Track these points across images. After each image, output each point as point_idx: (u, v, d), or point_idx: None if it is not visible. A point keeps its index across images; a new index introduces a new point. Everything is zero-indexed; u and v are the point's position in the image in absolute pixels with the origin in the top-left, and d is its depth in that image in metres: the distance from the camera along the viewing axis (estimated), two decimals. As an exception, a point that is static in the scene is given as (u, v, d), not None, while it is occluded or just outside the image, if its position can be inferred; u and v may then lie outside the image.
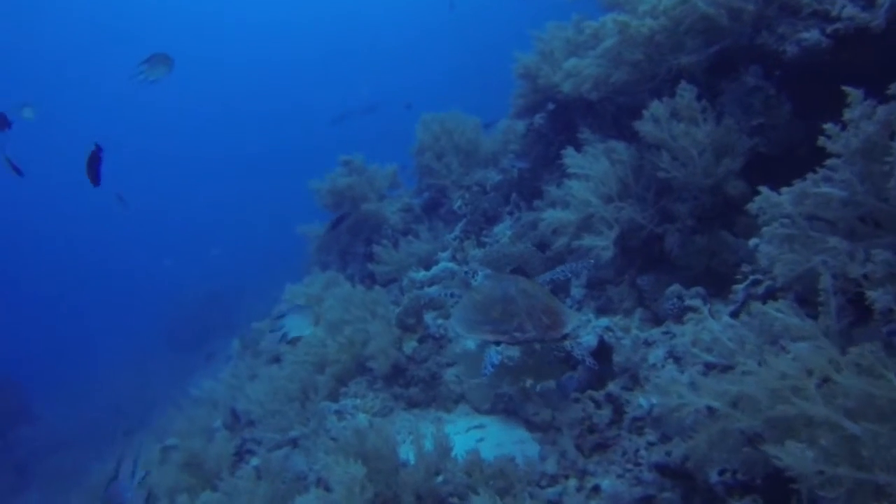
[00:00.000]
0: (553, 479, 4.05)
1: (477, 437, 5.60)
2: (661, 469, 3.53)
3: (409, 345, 6.33)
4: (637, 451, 3.98)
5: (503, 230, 7.68)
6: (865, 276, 2.83)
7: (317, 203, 9.34)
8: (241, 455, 6.78)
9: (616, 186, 5.53)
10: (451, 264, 7.42)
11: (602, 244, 5.39)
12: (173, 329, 25.39)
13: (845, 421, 2.27)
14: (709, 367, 3.48)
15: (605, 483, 3.90)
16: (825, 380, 2.43)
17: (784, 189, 3.40)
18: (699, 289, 4.94)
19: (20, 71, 47.56)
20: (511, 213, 8.10)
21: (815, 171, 3.28)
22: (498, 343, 4.50)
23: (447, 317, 6.72)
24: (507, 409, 5.45)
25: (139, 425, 17.41)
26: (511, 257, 6.76)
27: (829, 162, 3.18)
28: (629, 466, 3.94)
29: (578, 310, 5.97)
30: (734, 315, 3.99)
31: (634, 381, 4.39)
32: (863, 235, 3.10)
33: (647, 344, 4.87)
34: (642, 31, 5.16)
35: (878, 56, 4.19)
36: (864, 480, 2.19)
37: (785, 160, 4.94)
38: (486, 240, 7.83)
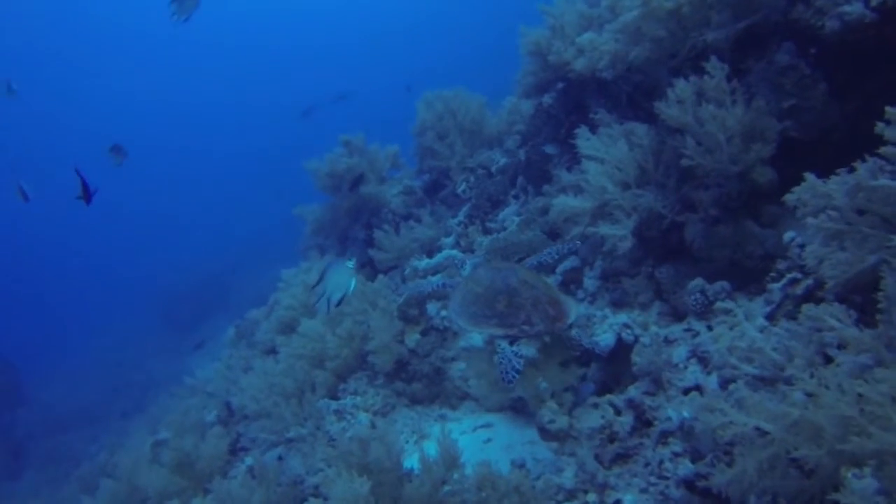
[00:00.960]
0: (571, 494, 3.74)
1: (484, 437, 5.30)
2: (691, 487, 3.22)
3: (412, 338, 6.00)
4: (661, 462, 3.67)
5: (509, 215, 7.32)
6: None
7: (315, 185, 8.93)
8: (234, 451, 6.50)
9: (634, 172, 5.17)
10: (455, 252, 7.07)
11: (619, 233, 5.05)
12: (169, 309, 25.16)
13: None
14: (743, 378, 3.16)
15: (628, 498, 3.59)
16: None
17: (833, 178, 3.05)
18: (724, 283, 4.60)
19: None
20: (517, 198, 7.74)
21: (863, 160, 2.94)
22: (507, 338, 4.30)
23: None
24: (516, 406, 5.17)
25: (135, 408, 17.27)
26: (519, 246, 6.41)
27: (884, 150, 2.83)
28: (653, 480, 3.63)
29: (592, 303, 5.63)
30: (770, 317, 3.67)
31: (657, 385, 4.05)
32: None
33: (668, 342, 4.55)
34: (666, 5, 4.77)
35: (930, 32, 3.84)
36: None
37: (817, 145, 4.59)
38: (492, 225, 7.48)
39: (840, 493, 2.05)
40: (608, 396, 4.14)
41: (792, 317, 3.58)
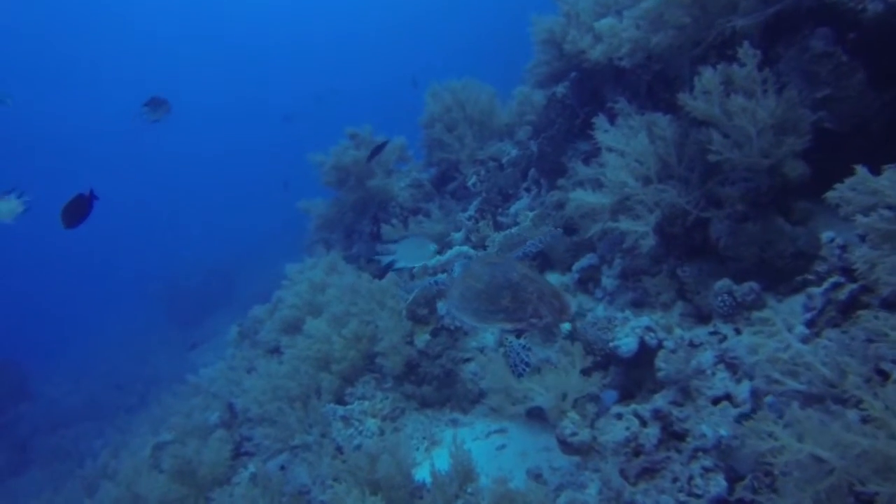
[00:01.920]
0: (595, 513, 3.49)
1: (498, 443, 5.07)
2: (727, 508, 2.98)
3: (422, 338, 5.75)
4: (691, 478, 3.42)
5: (522, 210, 7.05)
6: None
7: (320, 179, 8.67)
8: (238, 455, 6.29)
9: (656, 166, 4.90)
10: (466, 247, 6.81)
11: (641, 230, 4.79)
12: (173, 304, 25.01)
13: None
14: (787, 394, 2.90)
15: (656, 517, 3.34)
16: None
17: (886, 173, 2.79)
18: (753, 284, 4.34)
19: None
20: (528, 191, 7.48)
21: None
22: (516, 331, 4.09)
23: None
24: (531, 411, 4.94)
25: (139, 403, 17.14)
26: (534, 242, 6.16)
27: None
28: (682, 497, 3.38)
29: (610, 303, 5.38)
30: (811, 325, 3.40)
31: (685, 394, 3.79)
32: None
33: (693, 345, 4.29)
34: (693, -11, 4.50)
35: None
36: None
37: (852, 137, 4.32)
38: (503, 219, 7.23)
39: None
40: (633, 406, 3.88)
41: (835, 324, 3.34)
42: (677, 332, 4.53)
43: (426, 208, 8.17)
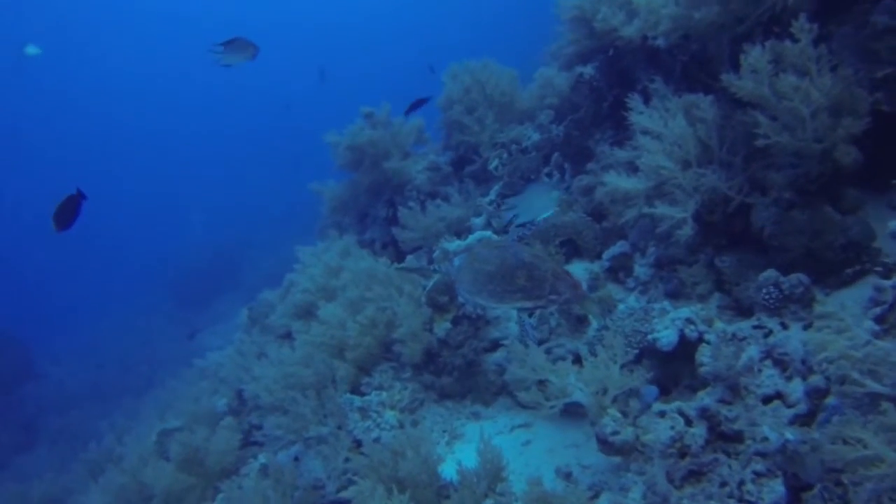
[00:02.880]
0: (639, 520, 3.24)
1: (523, 438, 4.83)
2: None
3: (442, 326, 5.50)
4: (742, 483, 3.17)
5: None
6: None
7: (334, 161, 8.39)
8: (247, 444, 6.07)
9: (696, 149, 4.62)
10: (488, 233, 6.55)
11: (679, 215, 4.52)
12: (180, 285, 24.83)
13: None
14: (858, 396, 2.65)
15: (705, 526, 3.10)
16: None
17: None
18: (801, 276, 4.06)
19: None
20: (550, 176, 7.21)
21: None
22: (536, 309, 4.28)
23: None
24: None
25: (146, 385, 17.02)
26: (561, 228, 5.88)
27: None
28: None
29: (643, 293, 5.11)
30: (880, 320, 3.14)
31: (734, 392, 3.53)
32: None
33: (736, 339, 4.04)
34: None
35: None
36: None
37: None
38: (526, 205, 6.98)
39: None
40: (677, 404, 3.62)
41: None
42: (718, 324, 4.28)
43: (444, 192, 7.90)
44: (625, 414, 3.58)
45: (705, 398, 3.55)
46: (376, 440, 4.71)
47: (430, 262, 6.89)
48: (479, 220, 7.09)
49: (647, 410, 3.67)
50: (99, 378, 19.12)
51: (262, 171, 42.59)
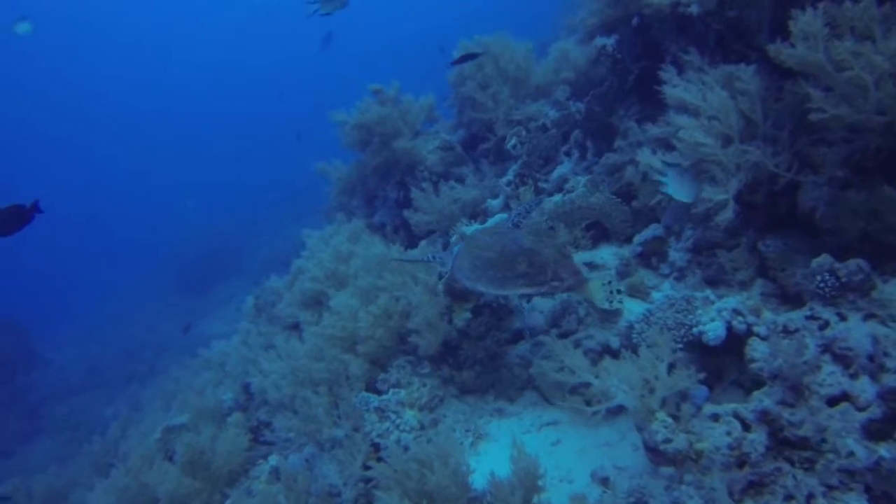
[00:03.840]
0: (698, 539, 2.90)
1: (552, 437, 4.51)
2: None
3: (461, 317, 5.13)
4: (811, 497, 2.83)
5: (566, 174, 6.42)
6: None
7: (342, 140, 7.99)
8: (255, 441, 5.75)
9: (738, 124, 4.25)
10: (506, 215, 6.20)
11: (720, 197, 4.16)
12: (182, 270, 24.58)
13: None
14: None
15: (772, 546, 2.76)
16: None
17: None
18: (860, 262, 3.69)
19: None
20: (569, 154, 6.82)
21: None
22: (538, 295, 4.08)
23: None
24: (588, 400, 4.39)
25: (149, 371, 16.87)
26: (588, 210, 5.52)
27: None
28: (801, 520, 2.80)
29: (679, 279, 4.76)
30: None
31: (797, 394, 3.17)
32: None
33: (787, 332, 3.69)
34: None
35: None
36: None
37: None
38: (545, 185, 6.59)
39: None
40: (732, 406, 3.27)
41: None
42: (767, 315, 3.92)
43: (458, 172, 7.53)
44: (675, 418, 3.23)
45: (764, 400, 3.19)
46: (396, 443, 4.38)
47: (446, 246, 6.57)
48: (496, 202, 6.73)
49: (698, 414, 3.32)
50: (102, 364, 18.94)
51: (261, 151, 42.29)
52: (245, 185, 35.77)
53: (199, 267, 23.77)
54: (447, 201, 6.79)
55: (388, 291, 5.36)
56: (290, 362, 5.34)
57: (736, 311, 3.86)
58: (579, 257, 5.43)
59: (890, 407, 2.93)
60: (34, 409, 17.31)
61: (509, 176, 6.78)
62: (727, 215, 4.13)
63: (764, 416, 3.13)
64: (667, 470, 3.20)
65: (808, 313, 3.73)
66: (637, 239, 5.22)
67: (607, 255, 5.37)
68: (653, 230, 5.10)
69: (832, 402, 3.12)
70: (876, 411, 2.95)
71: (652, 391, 3.29)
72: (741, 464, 3.05)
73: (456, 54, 7.95)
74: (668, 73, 4.70)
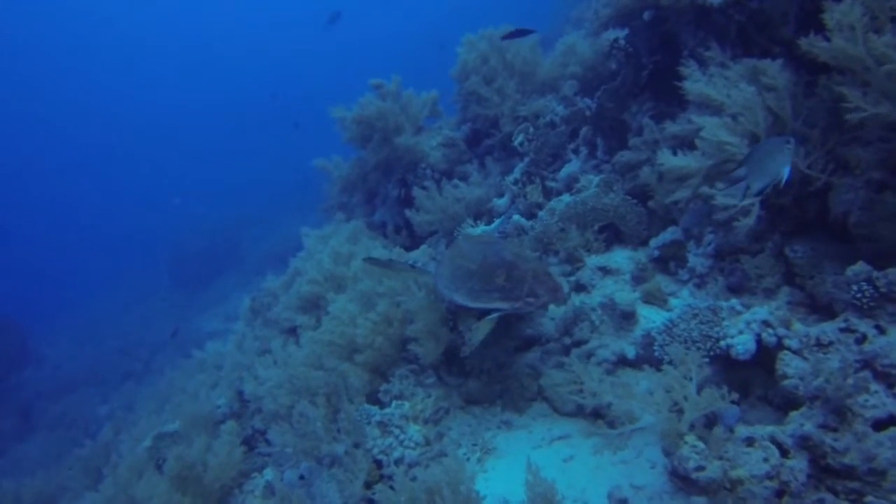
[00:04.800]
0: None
1: (564, 453, 4.24)
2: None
3: (467, 323, 4.87)
4: (859, 534, 2.58)
5: (575, 173, 6.14)
6: None
7: (342, 136, 7.69)
8: (249, 450, 5.48)
9: (765, 122, 3.98)
10: (517, 216, 5.92)
11: (744, 202, 3.90)
12: (177, 266, 24.30)
13: None
14: None
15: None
16: None
17: None
18: (902, 270, 3.44)
19: None
20: (577, 152, 6.55)
21: None
22: (512, 311, 4.07)
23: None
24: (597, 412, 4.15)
25: (144, 369, 16.68)
26: (601, 211, 5.25)
27: None
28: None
29: (699, 287, 4.49)
30: None
31: (840, 417, 2.90)
32: None
33: (820, 345, 3.43)
34: None
35: None
36: None
37: None
38: (553, 184, 6.31)
39: None
40: (768, 429, 3.00)
41: None
42: (798, 327, 3.65)
43: (462, 170, 7.25)
44: (705, 440, 2.96)
45: (804, 423, 2.92)
46: (399, 461, 4.12)
47: (447, 246, 6.32)
48: (502, 201, 6.45)
49: (730, 436, 3.04)
50: (97, 361, 18.71)
51: (259, 144, 42.09)
52: (242, 180, 35.57)
53: (196, 263, 23.50)
54: (451, 200, 6.51)
55: (389, 297, 5.10)
56: (287, 370, 5.07)
57: (766, 323, 3.60)
58: (592, 261, 5.16)
59: (946, 433, 2.67)
60: (28, 407, 17.09)
61: (516, 174, 6.49)
62: (748, 222, 3.87)
63: (804, 442, 2.87)
64: (699, 500, 2.93)
65: (843, 325, 3.47)
66: (654, 242, 4.95)
67: (622, 258, 5.10)
68: (671, 233, 4.82)
69: (878, 426, 2.86)
70: (928, 438, 2.69)
71: (680, 413, 3.02)
72: (780, 494, 2.79)
73: (461, 48, 7.67)
74: (689, 67, 4.43)
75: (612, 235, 5.36)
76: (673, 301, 4.55)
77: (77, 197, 45.58)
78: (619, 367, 4.47)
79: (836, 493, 2.76)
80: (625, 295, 4.63)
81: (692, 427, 2.99)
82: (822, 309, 3.93)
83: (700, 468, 2.83)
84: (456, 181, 6.88)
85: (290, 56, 54.28)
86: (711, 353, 3.65)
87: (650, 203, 5.05)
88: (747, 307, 3.88)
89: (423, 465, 4.15)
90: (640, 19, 5.82)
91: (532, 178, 6.33)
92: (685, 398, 3.03)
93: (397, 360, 4.99)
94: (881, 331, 3.35)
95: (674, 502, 3.28)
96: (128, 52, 55.51)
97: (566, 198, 5.64)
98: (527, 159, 6.46)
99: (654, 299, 4.62)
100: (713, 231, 4.49)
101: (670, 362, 3.44)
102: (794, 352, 3.47)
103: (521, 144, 6.51)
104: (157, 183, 43.97)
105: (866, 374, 3.03)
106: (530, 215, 6.07)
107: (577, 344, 4.65)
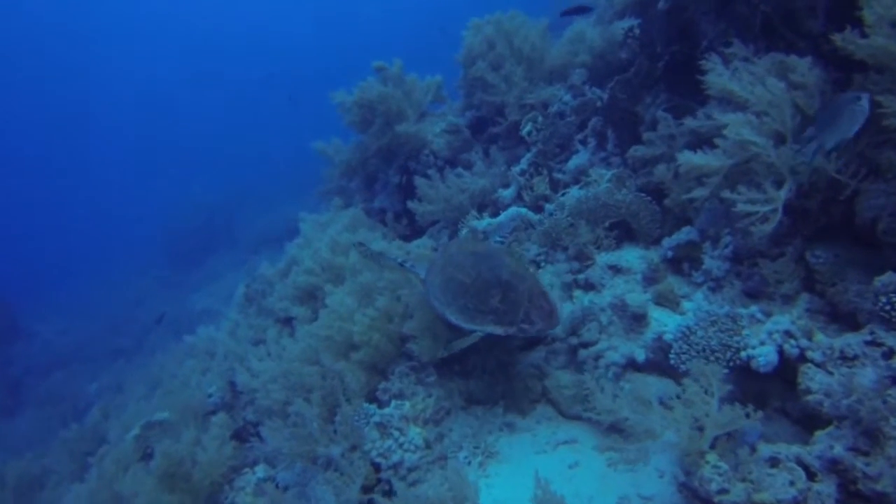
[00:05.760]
0: None
1: (569, 459, 4.09)
2: None
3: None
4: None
5: (583, 165, 5.94)
6: None
7: (342, 121, 7.46)
8: (241, 441, 5.30)
9: (792, 120, 3.79)
10: (524, 209, 5.72)
11: (765, 209, 3.72)
12: (171, 242, 24.07)
13: None
14: None
15: None
16: None
17: None
18: (937, 281, 3.27)
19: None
20: (584, 143, 6.33)
21: None
22: (506, 336, 3.95)
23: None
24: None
25: (135, 347, 16.54)
26: (613, 208, 5.05)
27: None
28: None
29: (714, 291, 4.30)
30: None
31: (871, 439, 2.73)
32: None
33: (845, 358, 3.27)
34: None
35: None
36: None
37: None
38: (561, 176, 6.11)
39: None
40: (794, 449, 2.83)
41: None
42: (820, 338, 3.48)
43: (466, 159, 7.03)
44: (730, 461, 2.79)
45: (834, 445, 2.75)
46: (398, 464, 3.95)
47: (450, 238, 6.13)
48: (507, 192, 6.24)
49: (752, 456, 2.87)
50: (88, 338, 18.55)
51: (256, 121, 41.78)
52: (238, 157, 35.25)
53: (190, 240, 23.27)
54: (455, 190, 6.31)
55: (390, 290, 4.92)
56: (282, 365, 4.88)
57: (788, 334, 3.42)
58: (602, 258, 4.97)
59: None
60: (17, 383, 16.94)
61: (523, 165, 6.28)
62: (767, 228, 3.69)
63: (833, 465, 2.70)
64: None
65: (869, 338, 3.30)
66: (667, 243, 4.75)
67: (633, 257, 4.91)
68: (686, 234, 4.62)
69: (911, 449, 2.69)
70: (966, 466, 2.53)
71: (701, 430, 2.85)
72: (806, 521, 2.62)
73: (466, 33, 7.43)
74: (712, 60, 4.23)
75: (623, 233, 5.17)
76: (686, 304, 4.37)
77: (70, 173, 45.20)
78: (627, 370, 4.30)
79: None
80: (636, 296, 4.45)
81: (713, 445, 2.82)
82: (843, 318, 3.75)
83: (723, 491, 2.67)
84: (459, 170, 6.67)
85: (287, 36, 53.80)
86: (731, 364, 3.48)
87: (666, 201, 4.85)
88: (767, 315, 3.71)
89: (423, 469, 3.99)
90: (657, 8, 5.59)
91: (539, 170, 6.13)
92: (706, 415, 2.85)
93: (397, 356, 4.81)
94: (913, 345, 3.18)
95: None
96: (121, 27, 54.94)
97: (576, 191, 5.45)
98: (534, 150, 6.26)
99: (667, 301, 4.44)
100: (731, 232, 4.30)
101: (687, 373, 3.28)
102: (818, 365, 3.30)
103: (528, 134, 6.29)
104: (151, 160, 43.61)
105: (862, 383, 2.88)
106: (536, 208, 5.88)
107: (585, 345, 4.47)
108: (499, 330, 3.86)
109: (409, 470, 3.96)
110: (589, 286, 4.88)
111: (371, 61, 7.42)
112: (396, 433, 4.05)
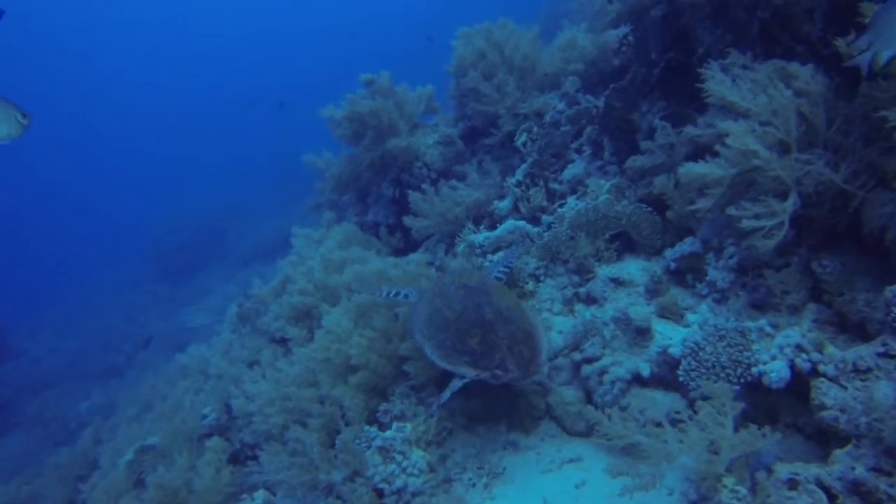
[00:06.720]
0: None
1: (575, 478, 3.98)
2: None
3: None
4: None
5: (581, 175, 5.86)
6: None
7: (333, 134, 7.36)
8: (238, 464, 5.17)
9: (797, 129, 3.71)
10: (522, 223, 5.63)
11: (769, 223, 3.64)
12: (161, 258, 23.83)
13: None
14: None
15: None
16: None
17: None
18: (947, 292, 3.19)
19: None
20: (579, 152, 6.25)
21: None
22: (477, 379, 3.82)
23: (522, 296, 5.04)
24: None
25: (126, 364, 16.37)
26: (613, 220, 4.96)
27: None
28: None
29: (719, 302, 4.21)
30: None
31: (893, 458, 2.64)
32: None
33: (858, 371, 3.18)
34: None
35: None
36: None
37: None
38: (557, 186, 6.02)
39: None
40: (813, 470, 2.74)
41: None
42: (831, 351, 3.39)
43: (460, 170, 6.93)
44: (749, 485, 2.69)
45: (855, 466, 2.66)
46: (402, 490, 3.84)
47: (447, 252, 6.03)
48: (503, 204, 6.15)
49: (769, 477, 2.77)
50: (79, 356, 18.34)
51: (245, 135, 41.67)
52: (229, 169, 35.09)
53: (181, 254, 23.04)
54: (449, 204, 6.21)
55: (387, 308, 4.82)
56: (280, 388, 4.76)
57: (799, 347, 3.34)
58: (603, 271, 4.88)
59: None
60: (5, 403, 16.71)
61: (518, 176, 6.19)
62: (772, 242, 3.62)
63: (856, 487, 2.61)
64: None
65: (882, 349, 3.22)
66: (670, 254, 4.66)
67: (635, 269, 4.82)
68: (689, 245, 4.53)
69: (933, 469, 2.61)
70: None
71: (717, 453, 2.75)
72: (829, 546, 2.53)
73: (456, 42, 7.35)
74: (712, 68, 4.15)
75: (624, 244, 5.08)
76: (690, 316, 4.28)
77: (58, 188, 44.87)
78: (632, 385, 4.21)
79: (892, 548, 2.51)
80: (639, 309, 4.36)
81: (730, 469, 2.72)
82: (852, 328, 3.68)
83: (742, 516, 2.56)
84: (454, 182, 6.58)
85: (271, 43, 53.77)
86: (742, 380, 3.39)
87: (668, 213, 4.76)
88: (776, 327, 3.62)
89: (428, 493, 3.88)
90: (651, 15, 5.52)
91: (535, 181, 6.04)
92: (722, 437, 2.76)
93: (396, 376, 4.70)
94: (926, 357, 3.10)
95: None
96: (107, 36, 54.76)
97: (574, 202, 5.37)
98: (529, 160, 6.17)
99: (671, 314, 4.35)
100: (735, 243, 4.21)
101: (697, 389, 3.19)
102: (831, 379, 3.22)
103: (523, 144, 6.21)
104: (140, 173, 43.37)
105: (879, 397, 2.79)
106: (534, 219, 5.79)
107: (589, 360, 4.37)
108: (471, 373, 3.78)
109: (413, 495, 3.86)
110: (591, 300, 4.79)
111: (358, 71, 7.33)
112: (399, 457, 3.94)
